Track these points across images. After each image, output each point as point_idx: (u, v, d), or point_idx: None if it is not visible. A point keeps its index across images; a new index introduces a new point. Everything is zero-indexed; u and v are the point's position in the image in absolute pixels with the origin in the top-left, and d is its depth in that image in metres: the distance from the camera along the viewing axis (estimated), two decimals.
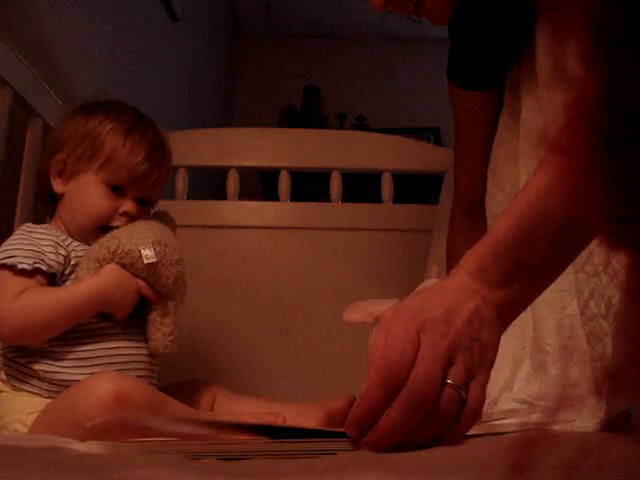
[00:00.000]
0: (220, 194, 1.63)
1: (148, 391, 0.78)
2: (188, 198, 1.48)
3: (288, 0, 3.12)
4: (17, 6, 1.10)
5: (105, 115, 0.92)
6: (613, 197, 0.25)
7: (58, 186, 0.92)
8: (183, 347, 0.94)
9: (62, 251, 0.86)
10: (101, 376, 0.75)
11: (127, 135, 0.90)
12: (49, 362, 0.81)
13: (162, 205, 1.01)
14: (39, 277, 0.82)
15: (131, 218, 0.90)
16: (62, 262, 0.85)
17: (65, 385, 0.80)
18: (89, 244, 0.89)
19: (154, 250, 0.85)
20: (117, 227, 0.89)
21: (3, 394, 0.82)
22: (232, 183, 1.49)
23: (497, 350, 0.54)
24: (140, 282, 0.86)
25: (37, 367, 0.81)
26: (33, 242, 0.84)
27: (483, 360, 0.52)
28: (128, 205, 0.90)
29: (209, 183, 2.33)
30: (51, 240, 0.86)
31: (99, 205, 0.89)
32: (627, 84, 0.24)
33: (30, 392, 0.81)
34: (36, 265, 0.81)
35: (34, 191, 1.06)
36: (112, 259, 0.84)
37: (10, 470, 0.38)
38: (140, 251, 0.85)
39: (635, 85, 0.24)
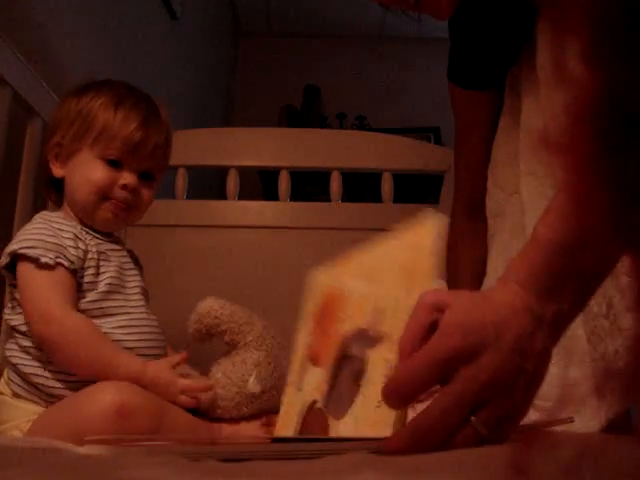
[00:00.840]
0: (220, 194, 1.63)
1: (150, 401, 0.76)
2: (188, 198, 1.48)
3: (288, 0, 3.12)
4: (17, 6, 1.10)
5: (95, 92, 0.90)
6: (614, 197, 0.25)
7: (57, 170, 0.90)
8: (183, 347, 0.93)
9: (81, 245, 0.83)
10: (103, 386, 0.74)
11: (118, 106, 0.88)
12: (51, 377, 0.79)
13: (162, 205, 1.00)
14: (62, 274, 0.79)
15: (132, 191, 0.88)
16: (81, 257, 0.83)
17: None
18: (100, 238, 0.87)
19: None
20: (118, 201, 0.87)
21: (2, 397, 0.81)
22: (232, 183, 1.49)
23: (543, 380, 0.48)
24: (182, 399, 0.82)
25: (37, 380, 0.79)
26: (54, 233, 0.82)
27: (525, 399, 0.47)
28: (128, 177, 0.87)
29: (209, 183, 2.33)
30: (70, 232, 0.84)
31: (97, 177, 0.86)
32: (628, 83, 0.24)
33: (29, 400, 0.80)
34: (58, 260, 0.79)
35: (34, 190, 1.05)
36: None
37: (9, 470, 0.38)
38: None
39: (636, 85, 0.24)
